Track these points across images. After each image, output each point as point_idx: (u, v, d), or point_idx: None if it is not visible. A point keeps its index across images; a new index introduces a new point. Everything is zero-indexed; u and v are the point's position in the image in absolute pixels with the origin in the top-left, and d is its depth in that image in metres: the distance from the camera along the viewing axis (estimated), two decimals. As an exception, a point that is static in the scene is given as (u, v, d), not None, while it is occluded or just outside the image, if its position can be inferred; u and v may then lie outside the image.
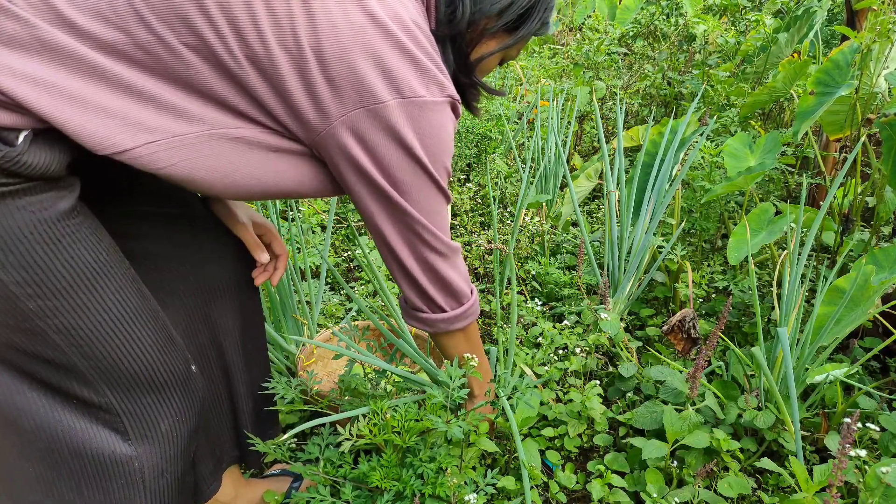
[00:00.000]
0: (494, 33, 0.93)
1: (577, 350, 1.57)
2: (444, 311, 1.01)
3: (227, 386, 1.11)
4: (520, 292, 2.04)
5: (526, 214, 2.47)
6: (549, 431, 1.39)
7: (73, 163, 0.73)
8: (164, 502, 0.90)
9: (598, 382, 1.44)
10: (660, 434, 1.31)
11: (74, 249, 0.74)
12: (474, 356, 1.09)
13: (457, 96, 0.85)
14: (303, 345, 1.64)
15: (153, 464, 0.87)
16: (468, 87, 0.99)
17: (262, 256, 1.07)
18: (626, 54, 4.10)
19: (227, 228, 1.05)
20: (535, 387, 1.44)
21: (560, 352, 1.65)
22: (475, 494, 1.04)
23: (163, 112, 0.72)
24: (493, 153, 2.97)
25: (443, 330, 1.03)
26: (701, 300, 2.00)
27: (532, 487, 1.17)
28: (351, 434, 1.01)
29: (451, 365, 1.08)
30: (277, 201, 1.76)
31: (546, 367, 1.52)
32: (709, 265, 2.14)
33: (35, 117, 0.67)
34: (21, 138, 0.66)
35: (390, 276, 2.04)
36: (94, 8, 0.68)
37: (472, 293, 1.05)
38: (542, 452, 1.38)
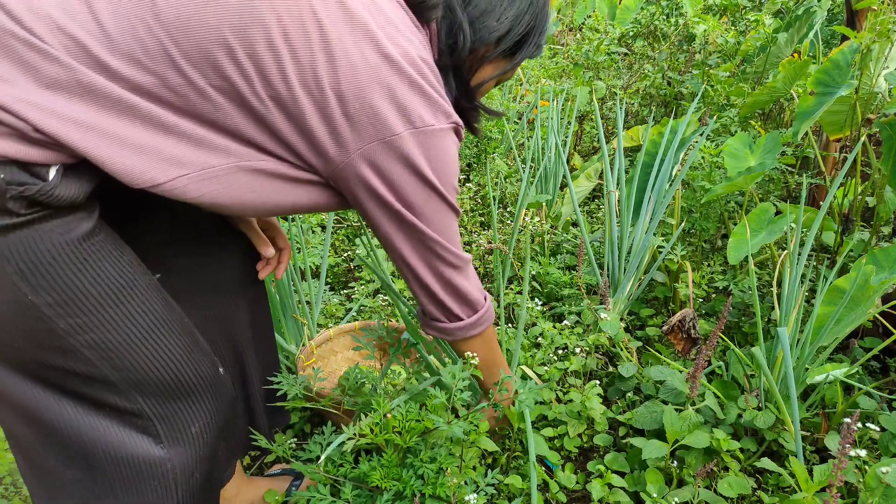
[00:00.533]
0: (492, 59, 0.97)
1: (577, 350, 1.57)
2: (460, 319, 1.05)
3: (241, 377, 1.14)
4: (519, 292, 2.04)
5: (526, 214, 2.47)
6: (549, 431, 1.39)
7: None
8: (195, 501, 0.93)
9: (597, 382, 1.44)
10: (660, 434, 1.31)
11: (100, 267, 0.77)
12: (474, 356, 1.10)
13: (460, 121, 0.89)
14: (303, 344, 1.64)
15: (184, 465, 0.89)
16: (469, 110, 1.03)
17: (268, 251, 1.09)
18: (626, 54, 4.10)
19: (232, 226, 1.07)
20: (540, 390, 1.44)
21: (560, 352, 1.65)
22: (475, 494, 1.04)
23: (194, 146, 0.75)
24: (493, 153, 2.97)
25: (460, 337, 1.07)
26: (701, 300, 2.00)
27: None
28: (353, 433, 1.01)
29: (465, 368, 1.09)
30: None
31: (546, 367, 1.52)
32: (709, 265, 2.14)
33: (68, 153, 0.70)
34: (53, 173, 0.69)
35: (395, 274, 2.04)
36: (128, 52, 0.71)
37: (485, 300, 1.08)
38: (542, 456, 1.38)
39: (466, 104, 1.01)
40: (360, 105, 0.78)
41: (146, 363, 0.82)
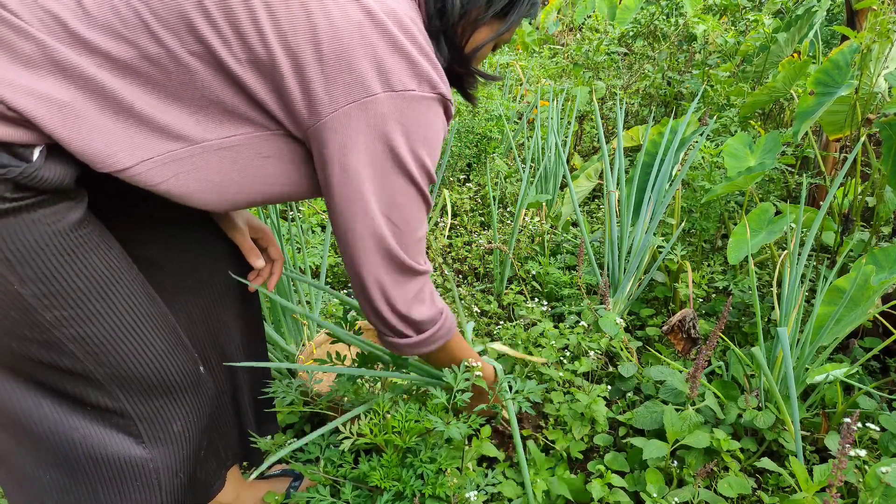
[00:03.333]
0: (486, 21, 0.92)
1: (591, 353, 1.55)
2: (407, 336, 0.95)
3: (231, 385, 1.12)
4: (520, 292, 2.04)
5: (526, 214, 2.47)
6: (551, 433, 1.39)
7: (81, 175, 0.75)
8: (179, 501, 0.92)
9: (607, 386, 1.43)
10: (660, 434, 1.31)
11: (88, 258, 0.76)
12: (477, 362, 1.09)
13: (449, 96, 0.83)
14: (302, 345, 1.64)
15: (167, 465, 0.88)
16: (465, 76, 0.98)
17: (257, 262, 1.07)
18: (626, 54, 4.10)
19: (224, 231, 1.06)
20: (545, 390, 1.44)
21: (567, 353, 1.65)
22: (475, 493, 1.04)
23: (156, 130, 0.74)
24: (493, 153, 2.97)
25: (416, 353, 0.98)
26: (701, 300, 2.00)
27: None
28: (351, 433, 1.01)
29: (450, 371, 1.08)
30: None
31: (549, 365, 1.52)
32: (709, 265, 2.14)
33: (46, 134, 0.68)
34: (37, 154, 0.68)
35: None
36: (105, 25, 0.70)
37: (441, 314, 0.98)
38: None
39: (461, 69, 0.95)
40: (338, 65, 0.74)
41: (130, 358, 0.81)
